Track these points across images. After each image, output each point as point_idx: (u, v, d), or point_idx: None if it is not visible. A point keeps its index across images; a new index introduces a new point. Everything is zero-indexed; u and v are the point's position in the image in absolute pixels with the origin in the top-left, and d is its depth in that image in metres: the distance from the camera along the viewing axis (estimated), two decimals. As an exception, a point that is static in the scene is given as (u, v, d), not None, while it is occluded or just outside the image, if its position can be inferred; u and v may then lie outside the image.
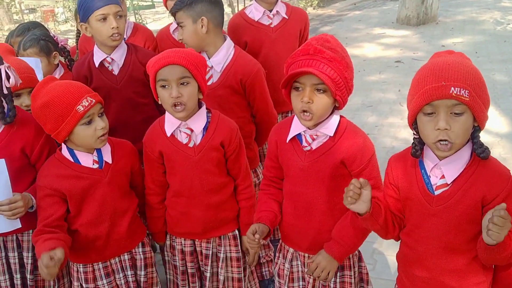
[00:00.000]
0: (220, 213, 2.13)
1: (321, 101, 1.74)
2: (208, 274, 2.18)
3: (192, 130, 2.03)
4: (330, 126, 1.81)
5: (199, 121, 2.03)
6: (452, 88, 1.42)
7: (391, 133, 4.76)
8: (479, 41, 7.81)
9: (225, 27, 2.60)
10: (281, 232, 2.07)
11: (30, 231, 2.09)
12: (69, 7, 11.12)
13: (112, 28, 2.39)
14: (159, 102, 2.01)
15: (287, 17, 2.85)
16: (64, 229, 1.97)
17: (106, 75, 2.51)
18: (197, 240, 2.18)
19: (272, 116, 2.63)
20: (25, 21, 11.25)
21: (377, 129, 4.83)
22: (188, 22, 2.36)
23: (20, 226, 2.01)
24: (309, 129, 1.83)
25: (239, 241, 2.20)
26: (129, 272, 2.12)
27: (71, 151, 1.99)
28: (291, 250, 2.02)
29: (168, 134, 2.04)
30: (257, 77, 2.46)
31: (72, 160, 1.99)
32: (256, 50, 2.80)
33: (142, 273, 2.14)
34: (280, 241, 2.09)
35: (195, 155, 2.04)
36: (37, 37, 2.71)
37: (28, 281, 2.15)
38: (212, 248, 2.18)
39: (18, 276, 2.15)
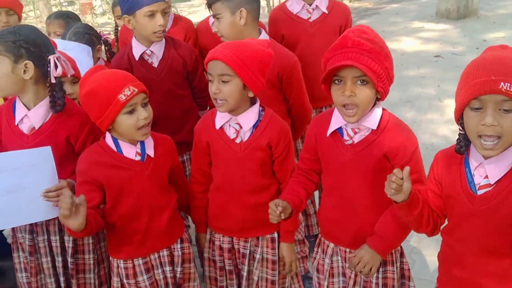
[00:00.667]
0: (258, 214, 2.05)
1: (363, 93, 1.71)
2: (245, 273, 2.15)
3: (241, 126, 2.00)
4: (373, 119, 1.79)
5: (249, 118, 1.99)
6: (502, 83, 1.37)
7: (430, 130, 4.65)
8: (523, 36, 7.56)
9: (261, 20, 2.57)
10: (320, 227, 2.05)
11: None
12: (106, 0, 11.29)
13: (159, 25, 2.41)
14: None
15: (327, 12, 2.79)
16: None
17: (146, 67, 2.53)
18: (235, 237, 2.15)
19: (308, 109, 2.62)
20: (64, 13, 11.56)
21: (415, 125, 4.73)
22: (226, 13, 2.35)
23: None
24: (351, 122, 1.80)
25: (277, 244, 2.14)
26: (167, 268, 2.11)
27: (115, 141, 1.99)
28: (331, 245, 1.99)
29: (217, 127, 2.03)
30: (294, 70, 2.44)
31: (115, 150, 1.98)
32: (293, 44, 2.77)
33: (179, 269, 2.13)
34: (319, 236, 2.07)
35: (240, 151, 2.01)
36: (82, 31, 2.76)
37: (69, 264, 2.20)
38: (250, 247, 2.14)
39: (60, 259, 2.20)
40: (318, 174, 2.01)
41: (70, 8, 12.69)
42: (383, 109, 1.83)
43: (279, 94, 2.49)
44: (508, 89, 1.37)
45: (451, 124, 4.75)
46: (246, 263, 2.15)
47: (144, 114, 1.92)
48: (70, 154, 2.12)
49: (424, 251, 2.97)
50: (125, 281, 2.07)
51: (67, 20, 3.11)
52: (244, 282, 2.17)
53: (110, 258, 2.12)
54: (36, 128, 2.07)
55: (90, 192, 1.93)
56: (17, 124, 2.08)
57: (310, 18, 2.79)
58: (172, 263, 2.13)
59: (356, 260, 1.86)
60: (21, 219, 2.02)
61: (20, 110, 2.07)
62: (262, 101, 2.35)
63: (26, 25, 2.19)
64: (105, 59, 3.01)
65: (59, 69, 2.04)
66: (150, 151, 2.02)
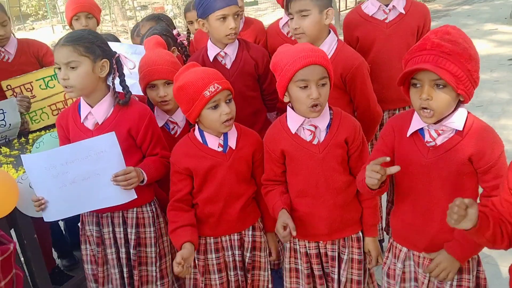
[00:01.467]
0: (345, 213, 2.07)
1: (441, 97, 1.67)
2: (335, 276, 2.13)
3: (316, 127, 2.02)
4: (458, 120, 1.73)
5: (323, 118, 2.01)
6: None
7: (504, 136, 4.46)
8: None
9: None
10: (393, 231, 2.02)
11: (135, 209, 2.28)
12: (177, 4, 11.64)
13: (230, 28, 2.49)
14: (284, 100, 2.02)
15: (404, 12, 2.73)
16: (190, 203, 2.20)
17: (219, 68, 2.58)
18: (321, 242, 2.13)
19: (376, 113, 2.56)
20: (137, 17, 12.00)
21: (488, 131, 4.55)
22: (315, 11, 2.35)
23: (136, 196, 2.16)
24: (434, 123, 1.76)
25: (362, 243, 2.15)
26: (236, 252, 2.23)
27: (201, 132, 2.15)
28: (404, 249, 1.96)
29: (293, 132, 2.04)
30: (358, 71, 2.41)
31: (201, 141, 2.15)
32: (368, 46, 2.75)
33: (248, 254, 2.24)
34: (391, 240, 2.04)
35: (319, 152, 2.02)
36: (159, 31, 2.88)
37: (131, 256, 2.30)
38: (337, 249, 2.13)
39: (123, 250, 2.30)
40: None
41: (143, 12, 13.17)
42: (469, 112, 1.78)
43: (344, 95, 2.48)
44: None
45: (526, 131, 4.55)
46: (336, 265, 2.13)
47: (226, 110, 2.05)
48: (132, 147, 2.24)
49: (497, 260, 2.85)
50: (195, 255, 2.20)
51: (158, 22, 3.24)
52: (335, 286, 2.15)
53: None
54: (100, 123, 2.19)
55: (181, 180, 2.17)
56: (82, 122, 2.21)
57: (386, 19, 2.75)
58: (242, 247, 2.24)
59: (434, 266, 1.82)
60: (99, 203, 2.15)
61: (84, 109, 2.20)
62: (329, 101, 2.37)
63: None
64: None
65: (129, 64, 2.23)
66: (232, 143, 2.15)
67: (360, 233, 2.15)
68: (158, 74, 2.37)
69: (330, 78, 1.96)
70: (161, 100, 2.40)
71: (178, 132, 2.49)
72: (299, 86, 1.93)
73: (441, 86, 1.67)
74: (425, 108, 1.70)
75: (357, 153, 2.05)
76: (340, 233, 2.11)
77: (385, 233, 3.01)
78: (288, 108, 2.06)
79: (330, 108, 2.07)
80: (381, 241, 3.06)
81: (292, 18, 2.42)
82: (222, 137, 2.14)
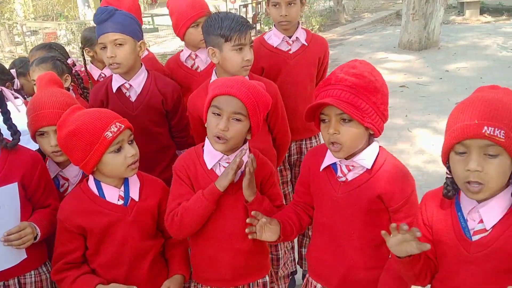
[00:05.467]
0: (250, 259, 1.97)
1: (348, 131, 1.67)
2: None
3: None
4: (368, 158, 1.74)
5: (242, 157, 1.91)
6: (485, 128, 1.33)
7: (402, 160, 4.56)
8: (483, 66, 7.82)
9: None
10: (308, 266, 1.99)
11: (32, 273, 1.99)
12: (71, 29, 11.13)
13: (107, 57, 2.35)
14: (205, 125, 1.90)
15: (306, 44, 2.80)
16: (87, 267, 1.89)
17: (122, 101, 2.45)
18: None
19: (289, 136, 2.60)
20: (27, 43, 11.30)
21: (387, 156, 4.75)
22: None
23: (26, 256, 1.91)
24: (345, 159, 1.75)
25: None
26: None
27: (97, 184, 1.90)
28: (318, 286, 1.93)
29: (209, 167, 1.91)
30: (278, 98, 2.43)
31: (97, 193, 1.89)
32: (273, 77, 2.75)
33: None
34: (307, 275, 2.00)
35: (233, 193, 1.89)
36: (53, 56, 2.67)
37: None
38: None
39: None
40: (313, 209, 1.94)
41: (33, 38, 12.43)
42: (381, 148, 1.79)
43: (265, 124, 2.46)
44: (492, 133, 1.33)
45: (421, 154, 4.81)
46: None
47: (131, 151, 1.86)
48: (23, 197, 1.95)
49: None
50: None
51: (50, 51, 3.01)
52: None
53: None
54: None
55: (73, 240, 1.87)
56: None
57: (290, 50, 2.79)
58: None
59: None
60: None
61: None
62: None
63: None
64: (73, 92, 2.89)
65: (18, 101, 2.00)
66: (134, 194, 1.92)
67: (267, 278, 2.06)
68: (48, 119, 2.04)
69: (249, 117, 1.83)
70: (53, 150, 2.07)
71: (68, 191, 2.15)
72: (212, 112, 1.83)
73: (347, 120, 1.66)
74: (333, 143, 1.68)
75: (268, 185, 2.00)
76: (245, 278, 2.01)
77: (298, 266, 2.98)
78: (207, 141, 1.93)
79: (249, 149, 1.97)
80: (293, 273, 3.03)
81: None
82: (122, 188, 1.91)
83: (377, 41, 10.57)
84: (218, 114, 1.81)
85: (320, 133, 1.85)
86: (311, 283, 1.96)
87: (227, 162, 1.89)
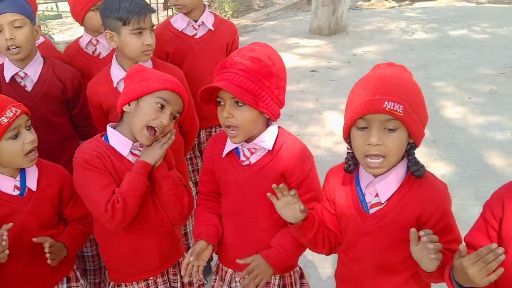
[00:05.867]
0: (172, 241, 1.96)
1: (242, 115, 1.67)
2: None
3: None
4: (268, 139, 1.75)
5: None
6: (386, 103, 1.38)
7: (313, 142, 4.82)
8: (388, 49, 8.21)
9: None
10: (218, 252, 1.97)
11: None
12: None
13: (5, 40, 2.18)
14: (125, 109, 1.81)
15: (213, 29, 2.75)
16: None
17: (17, 91, 2.29)
18: (151, 278, 1.96)
19: (197, 123, 2.57)
20: None
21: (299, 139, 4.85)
22: None
23: None
24: (246, 142, 1.75)
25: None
26: None
27: None
28: (229, 271, 1.93)
29: (125, 155, 1.83)
30: (184, 83, 2.36)
31: None
32: (178, 62, 2.68)
33: None
34: (217, 262, 2.00)
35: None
36: None
37: None
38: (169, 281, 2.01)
39: None
40: (219, 195, 1.94)
41: None
42: (280, 128, 1.80)
43: None
44: (392, 108, 1.38)
45: (332, 136, 4.97)
46: None
47: (29, 137, 1.76)
48: None
49: (319, 264, 3.01)
50: None
51: None
52: None
53: None
54: None
55: None
56: None
57: (196, 35, 2.73)
58: None
59: (246, 272, 1.76)
60: None
61: None
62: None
63: None
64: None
65: None
66: (31, 183, 1.82)
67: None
68: None
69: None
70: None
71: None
72: (157, 103, 1.78)
73: (240, 104, 1.66)
74: (229, 126, 1.68)
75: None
76: (169, 262, 1.99)
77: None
78: (111, 130, 1.84)
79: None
80: (209, 260, 3.02)
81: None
82: (18, 178, 1.81)
83: (289, 27, 10.75)
84: (162, 106, 1.78)
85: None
86: (222, 268, 1.96)
87: (138, 150, 1.85)
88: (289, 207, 1.55)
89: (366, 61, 7.39)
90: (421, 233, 1.36)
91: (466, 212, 3.25)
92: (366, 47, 8.40)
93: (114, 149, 1.82)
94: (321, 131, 5.12)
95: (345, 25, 9.73)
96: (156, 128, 1.76)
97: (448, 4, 12.72)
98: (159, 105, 1.76)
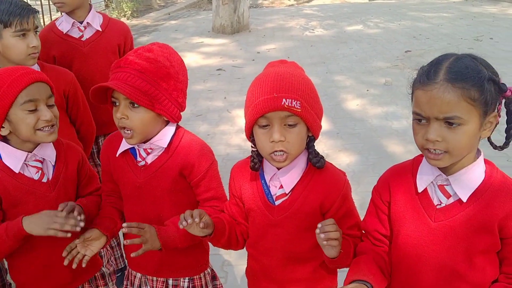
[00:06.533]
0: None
1: (137, 117, 1.62)
2: None
3: (42, 162, 1.74)
4: (164, 138, 1.70)
5: (50, 148, 1.76)
6: (284, 100, 1.41)
7: (224, 141, 4.84)
8: (289, 46, 8.44)
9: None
10: (127, 257, 1.91)
11: None
12: None
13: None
14: (2, 133, 1.67)
15: (101, 30, 2.62)
16: None
17: None
18: None
19: (94, 126, 2.50)
20: None
21: (209, 138, 4.86)
22: None
23: None
24: (143, 142, 1.70)
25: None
26: None
27: None
28: (138, 275, 1.88)
29: (17, 171, 1.69)
30: (76, 86, 2.31)
31: None
32: (67, 65, 2.54)
33: None
34: (128, 267, 1.94)
35: (51, 191, 1.74)
36: None
37: None
38: None
39: None
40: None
41: None
42: (178, 127, 1.76)
43: (65, 116, 2.31)
44: (290, 104, 1.41)
45: (241, 133, 5.00)
46: None
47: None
48: None
49: (235, 262, 3.02)
50: None
51: None
52: None
53: None
54: None
55: None
56: None
57: (82, 36, 2.60)
58: None
59: (143, 231, 1.63)
60: None
61: None
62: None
63: None
64: None
65: None
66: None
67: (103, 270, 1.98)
68: None
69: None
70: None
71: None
72: (26, 109, 1.63)
73: (136, 105, 1.61)
74: (124, 128, 1.64)
75: (86, 179, 1.88)
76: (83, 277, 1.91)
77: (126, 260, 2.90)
78: (1, 143, 1.70)
79: None
80: (123, 269, 2.94)
81: None
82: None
83: (191, 26, 10.70)
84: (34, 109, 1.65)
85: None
86: (131, 273, 1.91)
87: (36, 160, 1.71)
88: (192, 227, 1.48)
89: (270, 58, 7.38)
90: (318, 225, 1.40)
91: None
92: (269, 45, 8.58)
93: (6, 165, 1.69)
94: (231, 129, 5.15)
95: (247, 23, 9.87)
96: (46, 126, 1.66)
97: (342, 1, 13.36)
98: (30, 110, 1.63)
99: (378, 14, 10.70)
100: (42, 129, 1.65)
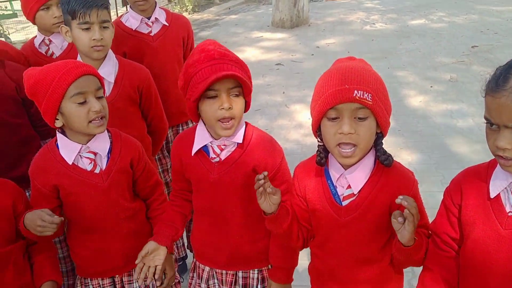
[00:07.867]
0: (138, 242, 1.89)
1: (238, 106, 1.66)
2: None
3: (95, 154, 1.80)
4: (238, 133, 1.72)
5: (103, 141, 1.81)
6: (356, 91, 1.39)
7: (282, 135, 4.82)
8: (349, 41, 8.29)
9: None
10: (195, 250, 1.95)
11: None
12: None
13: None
14: (56, 125, 1.75)
15: (167, 24, 2.68)
16: None
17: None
18: (117, 276, 1.96)
19: (166, 122, 2.53)
20: None
21: (268, 132, 4.83)
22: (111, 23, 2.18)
23: None
24: (215, 139, 1.72)
25: None
26: None
27: None
28: (206, 268, 1.90)
29: (70, 162, 1.78)
30: (150, 81, 2.35)
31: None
32: (138, 61, 2.58)
33: None
34: (194, 260, 1.97)
35: (103, 181, 1.81)
36: None
37: None
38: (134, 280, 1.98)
39: None
40: (191, 192, 1.90)
41: None
42: (246, 123, 1.79)
43: (138, 110, 2.37)
44: (362, 96, 1.38)
45: (300, 128, 4.98)
46: None
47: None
48: None
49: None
50: None
51: None
52: None
53: None
54: None
55: None
56: None
57: (151, 32, 2.66)
58: None
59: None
60: None
61: None
62: (122, 120, 2.17)
63: None
64: None
65: None
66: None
67: None
68: None
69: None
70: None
71: None
72: (76, 102, 1.70)
73: (236, 95, 1.65)
74: (225, 119, 1.64)
75: (144, 174, 1.93)
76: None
77: (188, 250, 2.95)
78: (59, 135, 1.79)
79: (107, 130, 1.87)
80: (184, 258, 2.99)
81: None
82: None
83: (251, 20, 10.73)
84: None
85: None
86: (199, 266, 1.93)
87: (89, 152, 1.79)
88: (265, 197, 1.52)
89: (329, 53, 7.44)
90: (400, 196, 1.34)
91: (433, 199, 3.29)
92: (329, 39, 8.46)
93: (62, 156, 1.78)
94: (289, 124, 5.13)
95: (307, 17, 9.78)
96: (96, 118, 1.72)
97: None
98: (80, 103, 1.70)
99: (443, 8, 10.30)
100: (92, 120, 1.71)
